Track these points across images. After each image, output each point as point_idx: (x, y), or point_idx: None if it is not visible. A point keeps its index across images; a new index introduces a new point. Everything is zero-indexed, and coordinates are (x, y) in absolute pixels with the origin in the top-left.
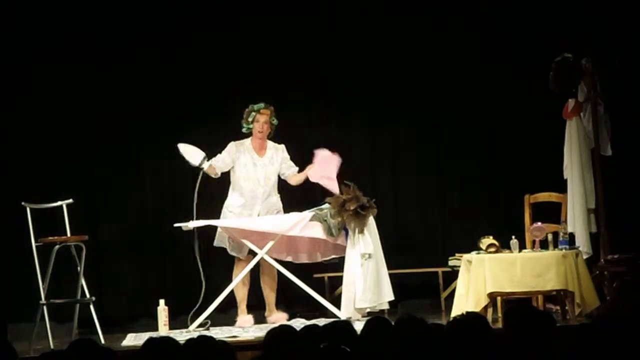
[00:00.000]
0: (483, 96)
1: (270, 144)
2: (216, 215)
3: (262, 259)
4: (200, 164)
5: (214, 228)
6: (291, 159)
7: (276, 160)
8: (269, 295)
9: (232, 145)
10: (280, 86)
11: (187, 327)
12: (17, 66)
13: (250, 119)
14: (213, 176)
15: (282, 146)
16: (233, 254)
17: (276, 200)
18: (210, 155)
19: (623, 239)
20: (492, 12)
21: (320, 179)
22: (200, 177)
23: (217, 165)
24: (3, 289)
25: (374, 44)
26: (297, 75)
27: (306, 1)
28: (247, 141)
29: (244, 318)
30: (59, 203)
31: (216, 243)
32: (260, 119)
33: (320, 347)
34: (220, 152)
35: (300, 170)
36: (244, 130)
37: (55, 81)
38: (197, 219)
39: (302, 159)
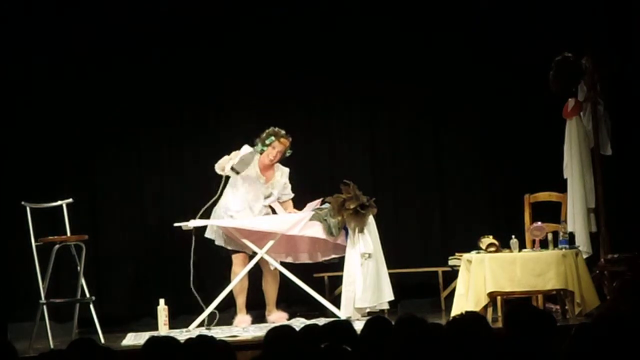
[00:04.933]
0: (483, 96)
1: (277, 165)
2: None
3: (263, 258)
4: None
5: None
6: (292, 159)
7: (279, 184)
8: (271, 294)
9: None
10: (280, 85)
11: (185, 325)
12: (17, 66)
13: (267, 142)
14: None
15: (287, 170)
16: (233, 248)
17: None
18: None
19: (623, 239)
20: (492, 12)
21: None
22: (221, 187)
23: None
24: (3, 289)
25: (374, 44)
26: (297, 75)
27: (306, 5)
28: (257, 156)
29: (242, 318)
30: (59, 203)
31: (207, 234)
32: (277, 146)
33: (320, 347)
34: (221, 157)
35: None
36: (257, 148)
37: (55, 81)
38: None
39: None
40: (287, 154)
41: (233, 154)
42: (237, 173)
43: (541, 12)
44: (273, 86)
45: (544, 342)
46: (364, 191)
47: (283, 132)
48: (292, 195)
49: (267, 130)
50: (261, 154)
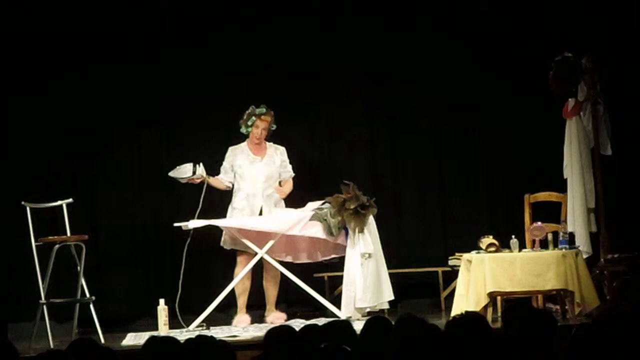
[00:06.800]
0: (483, 96)
1: (270, 145)
2: (218, 215)
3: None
4: (195, 171)
5: (214, 228)
6: (292, 159)
7: (276, 160)
8: (271, 293)
9: (229, 150)
10: (280, 85)
11: (180, 323)
12: (16, 65)
13: (249, 123)
14: (223, 188)
15: (283, 149)
16: (237, 248)
17: (278, 198)
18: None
19: (623, 239)
20: (492, 12)
21: None
22: (204, 188)
23: (222, 178)
24: (3, 289)
25: (375, 43)
26: (297, 74)
27: (306, 4)
28: (244, 143)
29: (241, 318)
30: (59, 203)
31: (222, 244)
32: (260, 124)
33: (320, 347)
34: (222, 157)
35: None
36: (242, 130)
37: (55, 81)
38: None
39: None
40: (272, 128)
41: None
42: (192, 174)
43: (541, 12)
44: (273, 85)
45: (544, 342)
46: (364, 191)
47: (263, 109)
48: (293, 174)
49: (246, 112)
50: (248, 136)
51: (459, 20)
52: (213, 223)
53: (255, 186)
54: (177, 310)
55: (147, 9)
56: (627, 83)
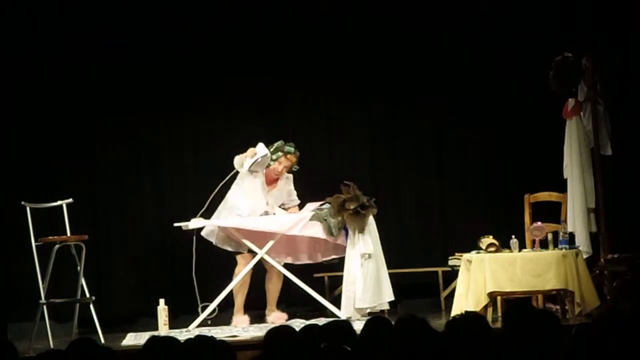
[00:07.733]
0: (483, 96)
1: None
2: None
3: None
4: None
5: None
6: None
7: (283, 191)
8: (272, 293)
9: (266, 153)
10: (280, 85)
11: (186, 325)
12: (17, 66)
13: (274, 157)
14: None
15: (290, 177)
16: (231, 249)
17: (272, 207)
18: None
19: (623, 239)
20: (492, 11)
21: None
22: (218, 187)
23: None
24: (3, 289)
25: (374, 44)
26: (297, 74)
27: (307, 5)
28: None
29: (240, 318)
30: (59, 203)
31: (204, 233)
32: (283, 162)
33: (320, 347)
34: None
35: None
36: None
37: (55, 81)
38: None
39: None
40: (295, 169)
41: (249, 151)
42: (252, 172)
43: (541, 12)
44: (273, 86)
45: (544, 342)
46: (364, 191)
47: (292, 148)
48: (298, 201)
49: (275, 144)
50: (267, 167)
51: (459, 20)
52: (213, 223)
53: (255, 208)
54: (200, 309)
55: (146, 9)
56: (627, 83)
